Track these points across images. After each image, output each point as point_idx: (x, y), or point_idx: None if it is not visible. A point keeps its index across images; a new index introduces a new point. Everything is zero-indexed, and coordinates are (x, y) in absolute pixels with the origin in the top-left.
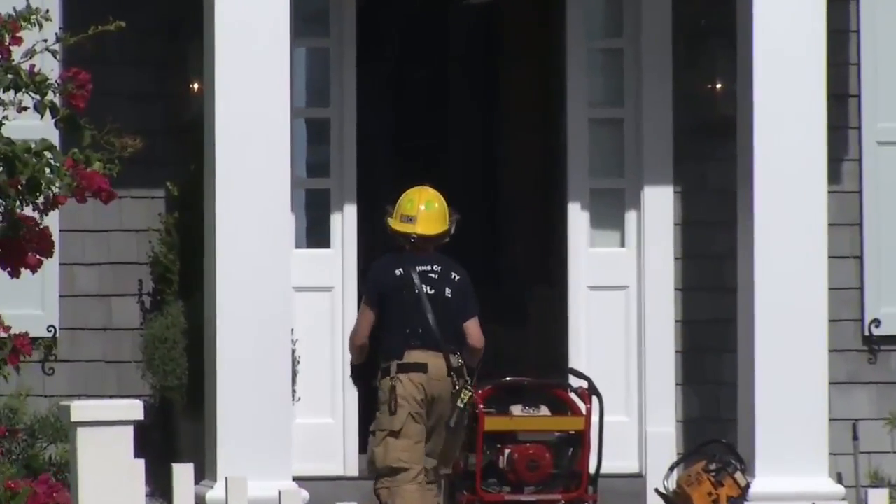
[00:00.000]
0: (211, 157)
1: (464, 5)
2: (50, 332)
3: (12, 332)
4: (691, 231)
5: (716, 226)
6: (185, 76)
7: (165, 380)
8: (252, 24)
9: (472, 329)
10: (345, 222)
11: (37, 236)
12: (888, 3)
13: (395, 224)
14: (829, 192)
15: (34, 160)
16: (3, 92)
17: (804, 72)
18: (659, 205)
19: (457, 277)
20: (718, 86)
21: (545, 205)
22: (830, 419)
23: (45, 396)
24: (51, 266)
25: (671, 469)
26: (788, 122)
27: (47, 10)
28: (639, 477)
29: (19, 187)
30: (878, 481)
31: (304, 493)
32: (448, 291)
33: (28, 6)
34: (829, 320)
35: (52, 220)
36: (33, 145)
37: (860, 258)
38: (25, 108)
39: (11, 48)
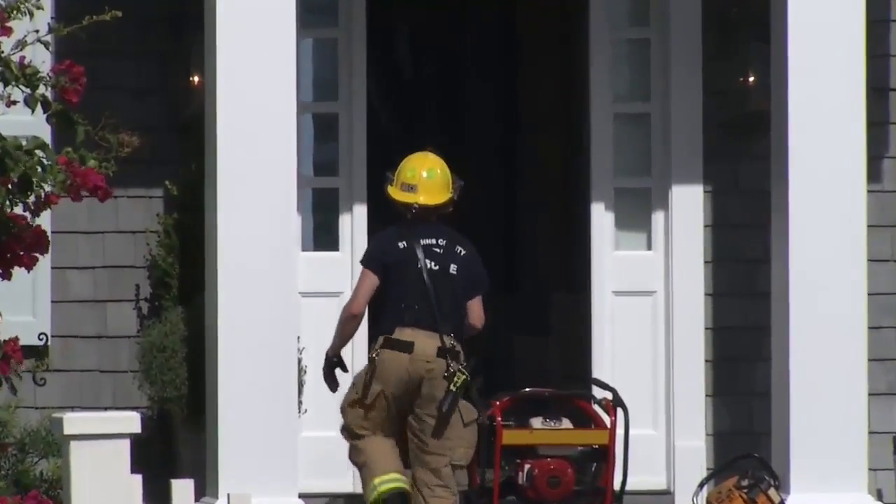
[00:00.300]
0: (212, 154)
1: None
2: (41, 339)
3: (1, 337)
4: (722, 233)
5: (748, 227)
6: (187, 69)
7: (164, 390)
8: (256, 14)
9: (475, 308)
10: (354, 223)
11: (30, 234)
12: None
13: (396, 193)
14: (868, 191)
15: (25, 158)
16: None
17: (842, 64)
18: (688, 205)
19: (462, 252)
20: (751, 79)
21: (567, 205)
22: (870, 432)
23: (36, 408)
24: (42, 270)
25: (701, 485)
26: (825, 118)
27: None
28: (667, 494)
29: (10, 186)
30: None
31: None
32: (453, 268)
33: None
34: (869, 327)
35: (44, 221)
36: (24, 142)
37: None
38: (15, 103)
39: (0, 39)
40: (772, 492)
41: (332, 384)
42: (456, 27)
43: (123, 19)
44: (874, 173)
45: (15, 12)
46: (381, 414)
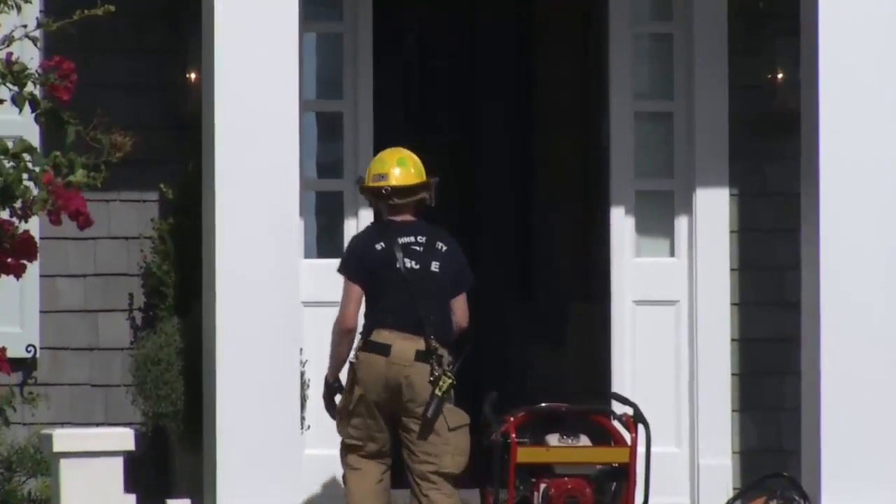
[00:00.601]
0: (210, 155)
1: None
2: (29, 351)
3: None
4: (749, 239)
5: (776, 233)
6: (184, 65)
7: (159, 406)
8: (256, 6)
9: (459, 306)
10: (360, 229)
11: (17, 240)
12: None
13: (368, 184)
14: None
15: (11, 164)
16: None
17: (876, 59)
18: (713, 209)
19: (444, 248)
20: (780, 75)
21: (585, 209)
22: None
23: (24, 424)
24: (30, 278)
25: None
26: (859, 116)
27: None
28: None
29: None
30: None
31: None
32: (435, 265)
33: None
34: None
35: (32, 226)
36: (10, 145)
37: None
38: (2, 101)
39: None
40: None
41: (334, 412)
42: (468, 20)
43: (116, 12)
44: None
45: (2, 6)
46: (368, 421)
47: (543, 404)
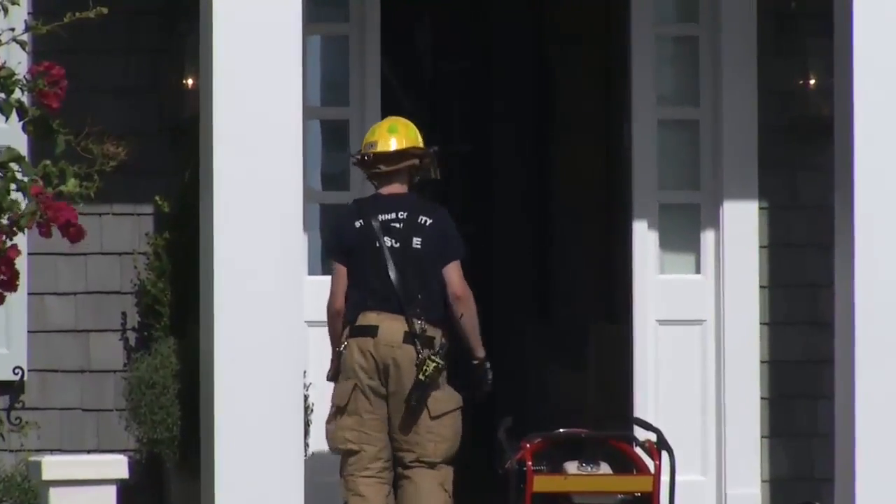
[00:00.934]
0: (208, 164)
1: None
2: (16, 374)
3: None
4: (780, 254)
5: (809, 248)
6: (181, 68)
7: (154, 431)
8: (257, 6)
9: (451, 276)
10: None
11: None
12: None
13: (360, 155)
14: None
15: None
16: None
17: None
18: (741, 223)
19: (427, 222)
20: (812, 81)
21: (606, 223)
22: None
23: (11, 451)
24: (18, 296)
25: None
26: None
27: None
28: None
29: None
30: None
31: None
32: (416, 241)
33: None
34: None
35: (20, 241)
36: None
37: None
38: None
39: None
40: None
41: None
42: (484, 19)
43: (109, 12)
44: None
45: None
46: (363, 417)
47: (562, 430)
